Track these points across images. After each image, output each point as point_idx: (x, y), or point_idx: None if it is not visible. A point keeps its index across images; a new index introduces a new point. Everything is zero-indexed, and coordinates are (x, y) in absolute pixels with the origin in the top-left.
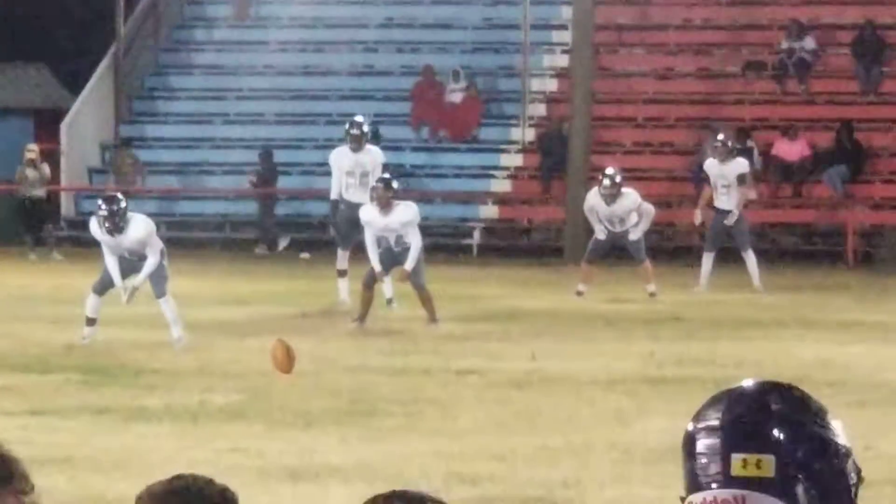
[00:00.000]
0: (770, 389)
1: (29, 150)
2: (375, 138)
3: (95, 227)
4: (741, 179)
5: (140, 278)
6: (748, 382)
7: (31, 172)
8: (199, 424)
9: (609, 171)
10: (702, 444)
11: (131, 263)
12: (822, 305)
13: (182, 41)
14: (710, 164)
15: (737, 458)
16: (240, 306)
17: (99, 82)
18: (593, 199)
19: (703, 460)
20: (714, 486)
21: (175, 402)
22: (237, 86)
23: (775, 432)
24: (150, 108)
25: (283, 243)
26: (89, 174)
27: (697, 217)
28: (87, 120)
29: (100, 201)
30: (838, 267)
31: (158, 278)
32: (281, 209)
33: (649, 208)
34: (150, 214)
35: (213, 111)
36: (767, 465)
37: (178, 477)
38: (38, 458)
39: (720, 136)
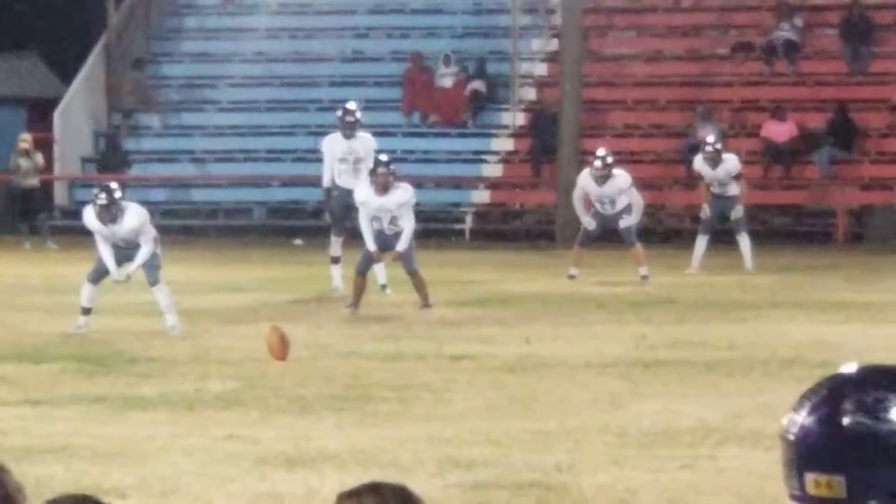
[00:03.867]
0: (849, 392)
1: (22, 140)
2: None
3: (90, 217)
4: (737, 178)
5: (134, 266)
6: (834, 379)
7: (24, 162)
8: (194, 412)
9: (601, 152)
10: (783, 455)
11: (125, 252)
12: (814, 286)
13: (173, 29)
14: (702, 167)
15: (809, 478)
16: (234, 293)
17: (91, 71)
18: (584, 179)
19: (786, 471)
20: (798, 500)
21: (171, 391)
22: (228, 73)
23: (844, 452)
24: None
25: None
26: (82, 163)
27: (705, 211)
28: (79, 108)
29: (96, 190)
30: (829, 247)
31: (152, 267)
32: (277, 195)
33: (639, 199)
34: (143, 202)
35: (205, 99)
36: (838, 487)
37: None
38: (34, 447)
39: (710, 139)
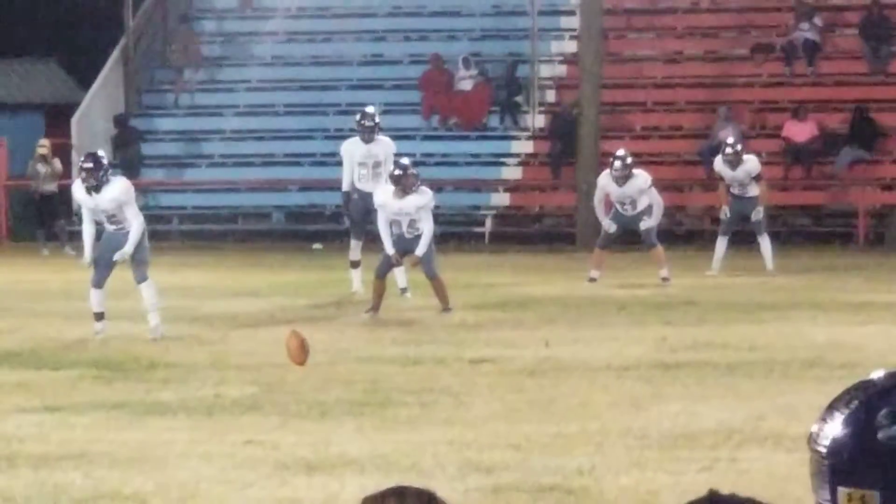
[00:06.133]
0: (882, 404)
1: (40, 146)
2: None
3: (78, 188)
4: (757, 178)
5: (129, 245)
6: (865, 389)
7: (42, 168)
8: (213, 417)
9: (620, 152)
10: (813, 465)
11: (116, 239)
12: (834, 287)
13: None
14: (722, 168)
15: (842, 492)
16: (253, 298)
17: (108, 76)
18: (604, 180)
19: (816, 482)
20: None
21: (189, 396)
22: (246, 77)
23: (879, 468)
24: (159, 101)
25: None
26: None
27: (725, 213)
28: (97, 114)
29: (83, 157)
30: (849, 248)
31: (139, 262)
32: (296, 200)
33: (659, 200)
34: (161, 207)
35: (223, 103)
36: (872, 501)
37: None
38: (53, 454)
39: (730, 141)
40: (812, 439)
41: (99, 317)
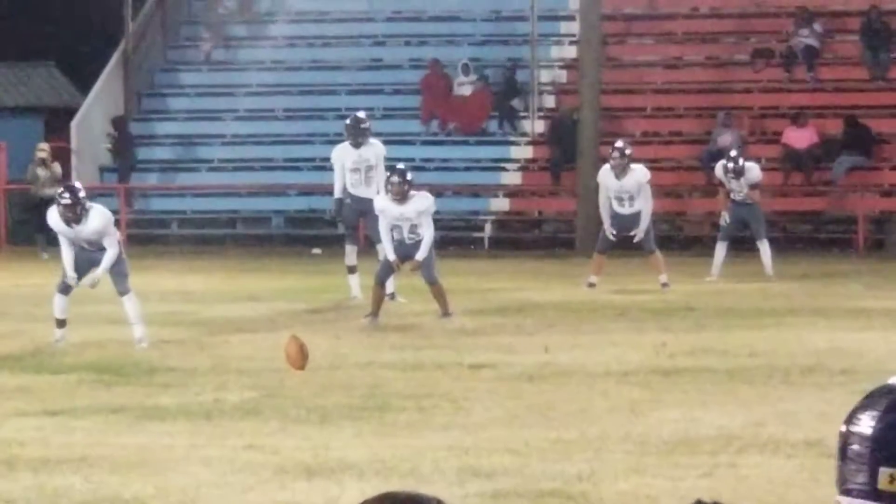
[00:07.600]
0: None
1: (40, 150)
2: None
3: (54, 217)
4: (755, 186)
5: (101, 270)
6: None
7: (42, 172)
8: (213, 422)
9: (619, 143)
10: (852, 450)
11: (91, 256)
12: (834, 293)
13: (190, 37)
14: (723, 176)
15: (884, 473)
16: (252, 303)
17: (108, 80)
18: (603, 175)
19: (853, 466)
20: (861, 495)
21: (189, 401)
22: (246, 81)
23: None
24: (159, 105)
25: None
26: (100, 172)
27: (724, 218)
28: (97, 118)
29: (61, 190)
30: (849, 254)
31: (119, 274)
32: (295, 204)
33: (650, 204)
34: (161, 211)
35: (223, 107)
36: None
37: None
38: (53, 458)
39: (733, 154)
40: (848, 424)
41: (61, 324)
